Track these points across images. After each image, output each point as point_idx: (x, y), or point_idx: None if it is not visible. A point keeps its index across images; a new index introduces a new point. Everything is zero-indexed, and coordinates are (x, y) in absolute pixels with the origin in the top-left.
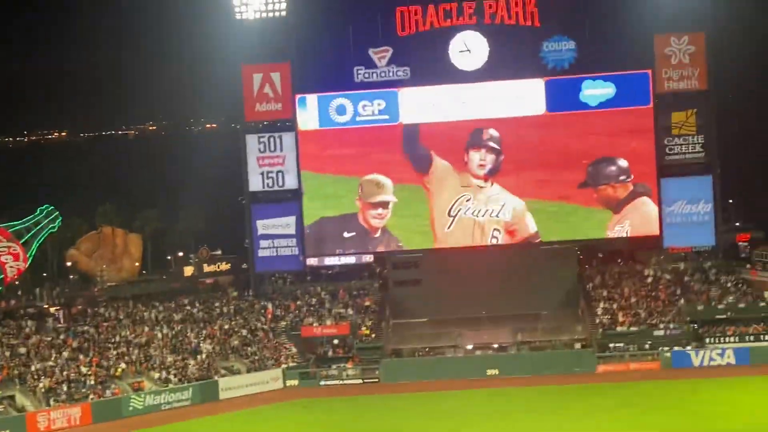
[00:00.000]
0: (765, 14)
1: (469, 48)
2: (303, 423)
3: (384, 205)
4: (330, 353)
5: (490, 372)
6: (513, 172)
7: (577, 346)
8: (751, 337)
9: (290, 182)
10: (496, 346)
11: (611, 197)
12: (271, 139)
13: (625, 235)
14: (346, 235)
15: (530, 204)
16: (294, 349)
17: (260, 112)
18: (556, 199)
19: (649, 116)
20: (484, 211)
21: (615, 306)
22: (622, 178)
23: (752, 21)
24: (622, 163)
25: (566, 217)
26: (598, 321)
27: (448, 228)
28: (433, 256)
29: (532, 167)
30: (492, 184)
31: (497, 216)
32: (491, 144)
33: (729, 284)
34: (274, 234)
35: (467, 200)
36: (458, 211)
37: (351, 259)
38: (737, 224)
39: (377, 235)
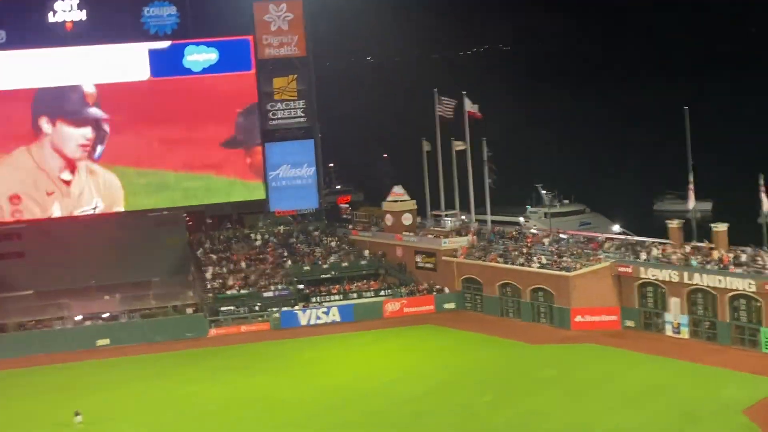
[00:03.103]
0: None
1: (69, 12)
2: None
3: None
4: None
5: (100, 342)
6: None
7: (189, 311)
8: (354, 294)
9: None
10: (106, 315)
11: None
12: None
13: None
14: None
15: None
16: None
17: None
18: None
19: (252, 81)
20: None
21: (225, 270)
22: None
23: None
24: None
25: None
26: (209, 286)
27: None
28: (37, 227)
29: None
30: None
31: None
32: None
33: (333, 245)
34: None
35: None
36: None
37: None
38: (338, 187)
39: None
